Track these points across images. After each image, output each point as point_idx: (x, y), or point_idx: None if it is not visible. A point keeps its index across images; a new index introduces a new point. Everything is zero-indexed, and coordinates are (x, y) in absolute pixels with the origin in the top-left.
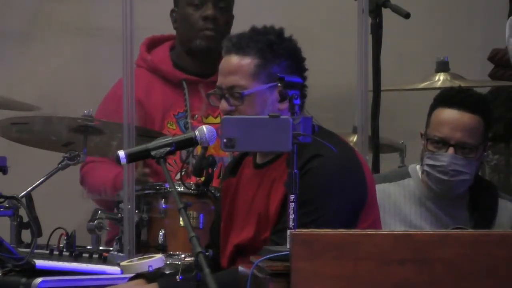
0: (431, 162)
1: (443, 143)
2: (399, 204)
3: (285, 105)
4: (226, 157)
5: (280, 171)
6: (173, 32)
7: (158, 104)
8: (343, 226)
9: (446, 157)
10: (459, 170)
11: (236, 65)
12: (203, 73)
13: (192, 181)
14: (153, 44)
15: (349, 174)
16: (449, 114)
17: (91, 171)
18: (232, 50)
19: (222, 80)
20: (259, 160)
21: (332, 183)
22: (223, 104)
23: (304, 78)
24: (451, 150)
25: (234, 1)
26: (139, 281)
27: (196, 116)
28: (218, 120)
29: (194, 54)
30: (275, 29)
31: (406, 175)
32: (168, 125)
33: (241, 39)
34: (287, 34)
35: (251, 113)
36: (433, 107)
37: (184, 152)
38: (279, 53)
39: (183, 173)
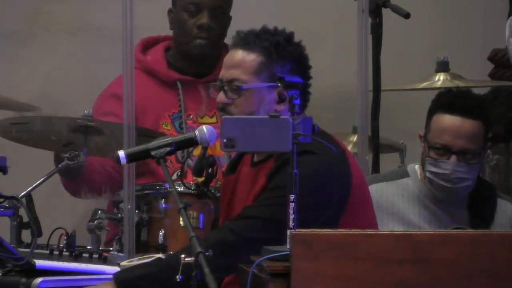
0: (433, 169)
1: (445, 150)
2: (397, 202)
3: (282, 107)
4: (222, 156)
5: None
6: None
7: (152, 105)
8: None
9: (449, 165)
10: (462, 177)
11: (240, 59)
12: (198, 74)
13: (190, 180)
14: (147, 45)
15: (327, 176)
16: (450, 121)
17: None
18: (238, 45)
19: (223, 73)
20: (256, 158)
21: (307, 183)
22: (221, 96)
23: (308, 85)
24: (453, 158)
25: (232, 3)
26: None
27: (191, 116)
28: (214, 120)
29: (188, 57)
30: (285, 31)
31: (405, 174)
32: (163, 125)
33: (249, 35)
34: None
35: (247, 109)
36: (432, 112)
37: (179, 153)
38: (284, 55)
39: (179, 173)
